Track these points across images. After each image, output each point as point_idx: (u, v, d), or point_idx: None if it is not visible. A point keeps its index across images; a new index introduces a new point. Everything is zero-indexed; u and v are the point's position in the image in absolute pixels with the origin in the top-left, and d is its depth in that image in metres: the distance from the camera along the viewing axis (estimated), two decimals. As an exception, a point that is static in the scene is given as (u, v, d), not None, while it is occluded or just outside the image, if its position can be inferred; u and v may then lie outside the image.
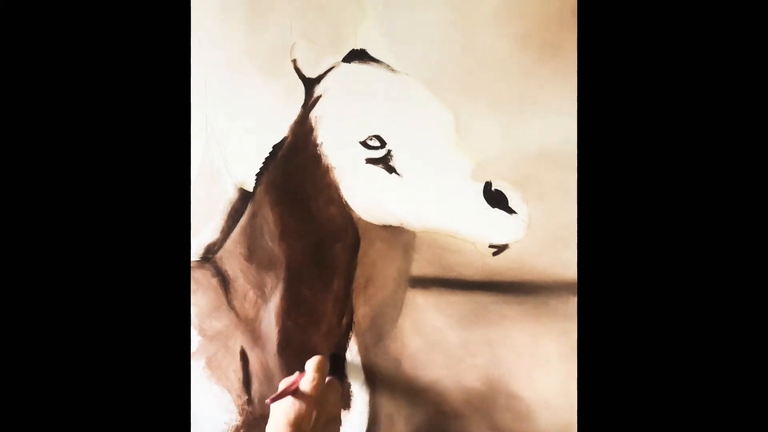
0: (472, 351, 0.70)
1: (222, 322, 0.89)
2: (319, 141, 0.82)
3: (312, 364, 0.69)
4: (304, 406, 0.64)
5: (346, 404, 0.80)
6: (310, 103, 0.83)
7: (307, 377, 0.68)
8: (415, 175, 0.74)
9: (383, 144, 0.76)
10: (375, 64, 0.78)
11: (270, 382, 0.88)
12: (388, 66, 0.76)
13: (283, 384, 0.70)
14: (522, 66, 0.66)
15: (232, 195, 0.92)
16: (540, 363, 0.66)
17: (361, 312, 0.81)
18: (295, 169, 0.85)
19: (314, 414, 0.65)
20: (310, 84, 0.83)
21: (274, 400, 0.67)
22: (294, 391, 0.66)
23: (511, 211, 0.68)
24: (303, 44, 0.83)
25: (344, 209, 0.81)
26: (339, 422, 0.71)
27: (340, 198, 0.81)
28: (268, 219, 0.87)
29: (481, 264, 0.70)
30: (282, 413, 0.64)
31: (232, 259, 0.91)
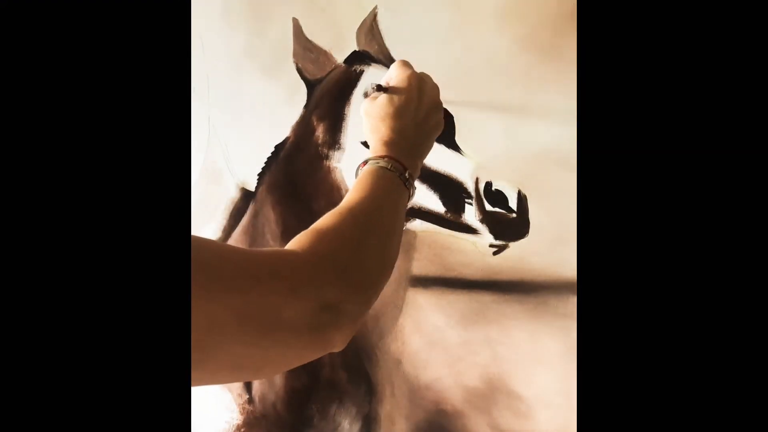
0: (473, 350, 0.70)
1: (223, 321, 0.89)
2: (320, 141, 0.83)
3: (397, 63, 0.65)
4: (403, 96, 0.61)
5: None
6: (312, 103, 0.84)
7: (397, 71, 0.64)
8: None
9: (384, 144, 0.76)
10: (376, 65, 0.78)
11: (270, 381, 0.88)
12: (389, 67, 0.76)
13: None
14: (522, 66, 0.67)
15: (234, 195, 0.92)
16: (540, 362, 0.66)
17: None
18: (297, 169, 0.85)
19: (415, 103, 0.61)
20: (312, 85, 0.84)
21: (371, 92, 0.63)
22: (386, 88, 0.63)
23: (511, 210, 0.68)
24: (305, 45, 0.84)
25: (345, 209, 0.81)
26: (441, 108, 0.66)
27: (341, 198, 0.81)
28: (270, 219, 0.87)
29: (481, 263, 0.70)
30: (379, 108, 0.61)
31: (233, 258, 0.91)
